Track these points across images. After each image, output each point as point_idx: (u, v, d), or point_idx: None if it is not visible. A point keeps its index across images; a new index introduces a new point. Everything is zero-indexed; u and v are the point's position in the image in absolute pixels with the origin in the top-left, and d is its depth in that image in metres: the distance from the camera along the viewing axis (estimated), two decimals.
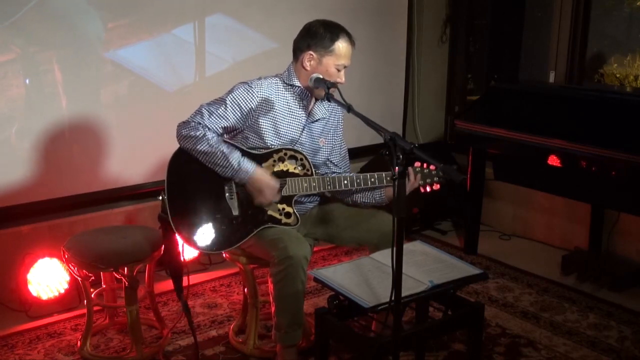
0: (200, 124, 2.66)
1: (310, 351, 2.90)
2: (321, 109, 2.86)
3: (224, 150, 2.64)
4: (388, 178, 2.72)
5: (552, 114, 3.62)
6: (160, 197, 2.71)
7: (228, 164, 2.64)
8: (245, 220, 2.73)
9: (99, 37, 3.49)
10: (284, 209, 2.75)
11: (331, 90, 2.60)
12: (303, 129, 2.80)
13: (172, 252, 2.78)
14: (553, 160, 3.40)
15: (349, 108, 2.40)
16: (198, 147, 2.64)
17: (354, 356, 2.80)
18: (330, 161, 2.93)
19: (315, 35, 2.71)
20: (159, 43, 3.68)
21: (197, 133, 2.64)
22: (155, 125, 3.68)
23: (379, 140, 2.34)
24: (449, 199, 4.43)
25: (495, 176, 4.08)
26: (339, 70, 2.71)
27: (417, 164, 2.73)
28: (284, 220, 2.74)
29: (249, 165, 2.67)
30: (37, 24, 3.28)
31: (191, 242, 2.69)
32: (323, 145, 2.87)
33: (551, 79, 4.22)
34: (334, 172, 2.93)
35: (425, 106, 4.98)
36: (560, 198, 4.07)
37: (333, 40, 2.69)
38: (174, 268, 2.81)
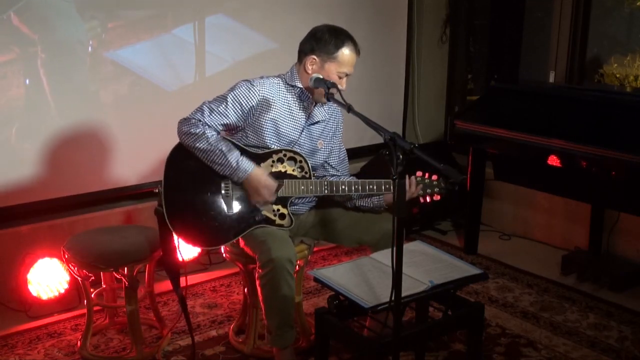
0: (200, 121, 2.67)
1: (310, 351, 2.90)
2: (321, 112, 2.86)
3: (223, 149, 2.64)
4: (387, 186, 2.71)
5: (552, 114, 3.61)
6: (157, 190, 2.72)
7: (226, 162, 2.64)
8: (239, 219, 2.72)
9: (99, 37, 3.49)
10: (278, 210, 2.74)
11: (331, 90, 2.60)
12: (302, 130, 2.80)
13: (168, 245, 2.75)
14: (553, 160, 3.39)
15: (349, 108, 2.39)
16: (197, 144, 2.64)
17: (354, 356, 2.80)
18: (329, 164, 2.93)
19: (320, 40, 2.70)
20: (159, 43, 3.67)
21: (197, 130, 2.64)
22: (155, 125, 3.67)
23: (379, 140, 2.34)
24: (449, 199, 4.42)
25: (495, 176, 4.08)
26: (340, 78, 2.70)
27: (419, 173, 2.73)
28: (278, 221, 2.74)
29: (247, 165, 2.66)
30: (37, 24, 3.28)
31: (183, 236, 2.68)
32: (321, 147, 2.87)
33: (551, 79, 4.21)
34: (333, 176, 2.92)
35: (425, 106, 4.98)
36: (560, 198, 4.07)
37: (337, 47, 2.68)
38: (170, 260, 2.78)
